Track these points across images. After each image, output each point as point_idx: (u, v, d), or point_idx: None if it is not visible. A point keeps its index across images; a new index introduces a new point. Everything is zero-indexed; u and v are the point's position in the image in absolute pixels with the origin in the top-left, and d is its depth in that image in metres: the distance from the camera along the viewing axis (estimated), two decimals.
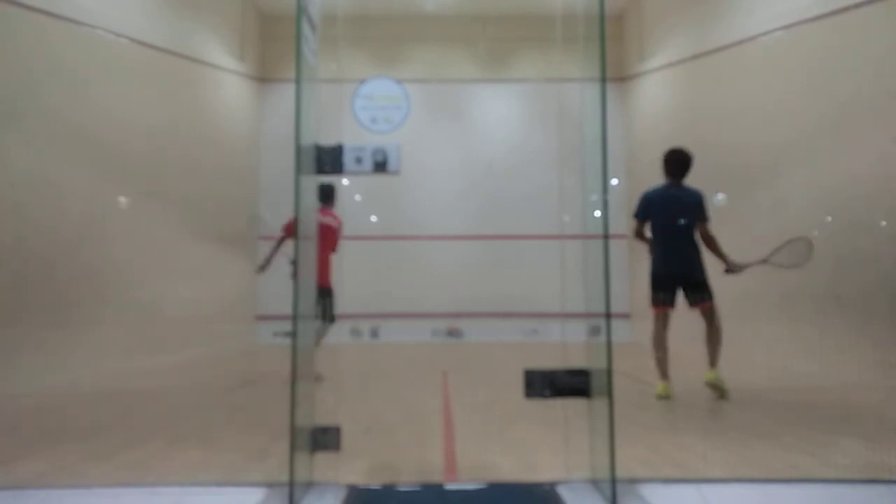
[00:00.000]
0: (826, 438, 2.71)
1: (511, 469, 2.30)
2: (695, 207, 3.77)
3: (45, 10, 5.09)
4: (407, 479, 2.16)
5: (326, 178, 4.36)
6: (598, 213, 2.01)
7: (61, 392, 4.22)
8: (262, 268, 4.57)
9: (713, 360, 3.74)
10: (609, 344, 1.90)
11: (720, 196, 6.49)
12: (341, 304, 4.90)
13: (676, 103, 7.41)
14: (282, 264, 4.28)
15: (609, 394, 1.87)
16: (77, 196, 5.33)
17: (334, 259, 4.67)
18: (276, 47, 8.20)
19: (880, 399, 3.77)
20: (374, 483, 2.11)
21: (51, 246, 5.03)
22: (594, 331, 1.99)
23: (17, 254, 4.71)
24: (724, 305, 6.71)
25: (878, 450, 2.53)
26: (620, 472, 1.85)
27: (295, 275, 2.00)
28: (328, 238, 4.53)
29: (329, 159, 2.01)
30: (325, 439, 1.97)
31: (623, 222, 8.08)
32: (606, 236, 1.94)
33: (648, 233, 3.93)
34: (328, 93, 2.30)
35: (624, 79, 8.24)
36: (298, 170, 1.93)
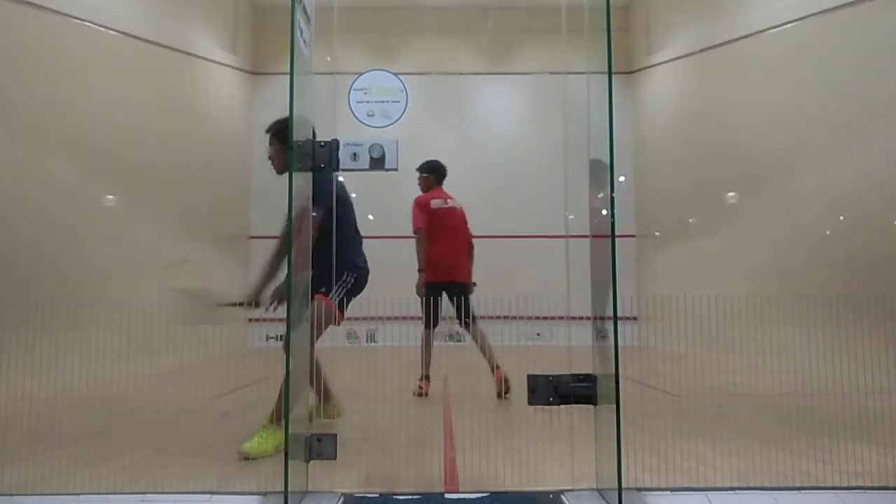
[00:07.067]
0: (839, 445, 2.66)
1: (514, 478, 2.24)
2: None
3: (30, 0, 4.97)
4: (405, 489, 2.11)
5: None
6: (604, 212, 1.95)
7: (51, 396, 4.16)
8: None
9: None
10: (616, 348, 1.83)
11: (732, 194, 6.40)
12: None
13: (685, 98, 7.29)
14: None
15: (616, 400, 1.81)
16: (63, 191, 5.20)
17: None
18: (269, 39, 8.09)
19: (894, 404, 3.70)
20: (372, 491, 2.05)
21: (37, 244, 4.90)
22: (600, 334, 1.93)
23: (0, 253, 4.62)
24: (734, 307, 6.58)
25: (893, 456, 2.48)
26: (627, 481, 1.80)
27: None
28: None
29: (324, 155, 1.95)
30: (320, 447, 1.91)
31: (631, 221, 7.99)
32: (614, 236, 1.88)
33: None
34: (323, 86, 2.24)
35: (631, 72, 8.13)
36: (292, 165, 1.88)
